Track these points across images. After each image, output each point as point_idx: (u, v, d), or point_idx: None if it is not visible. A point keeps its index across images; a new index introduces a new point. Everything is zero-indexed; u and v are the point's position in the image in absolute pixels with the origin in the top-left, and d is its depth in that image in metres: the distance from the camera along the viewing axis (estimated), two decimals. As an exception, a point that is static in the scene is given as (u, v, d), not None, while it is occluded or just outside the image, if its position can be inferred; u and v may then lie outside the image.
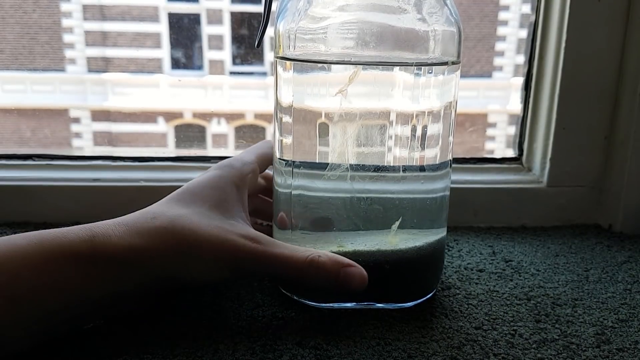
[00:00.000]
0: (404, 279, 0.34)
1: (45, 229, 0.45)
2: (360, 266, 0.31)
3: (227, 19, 0.77)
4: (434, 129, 0.31)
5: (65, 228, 0.29)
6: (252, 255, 0.30)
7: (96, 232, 0.29)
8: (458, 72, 0.32)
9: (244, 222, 0.33)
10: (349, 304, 0.34)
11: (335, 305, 0.34)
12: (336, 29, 0.29)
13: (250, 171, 0.37)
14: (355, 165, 0.31)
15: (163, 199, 0.34)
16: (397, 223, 0.32)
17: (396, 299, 0.34)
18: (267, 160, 0.39)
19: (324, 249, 0.33)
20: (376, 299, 0.34)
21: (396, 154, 0.31)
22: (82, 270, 0.28)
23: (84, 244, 0.28)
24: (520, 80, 0.52)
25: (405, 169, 0.32)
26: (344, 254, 0.32)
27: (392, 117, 0.30)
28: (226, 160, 0.37)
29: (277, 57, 0.32)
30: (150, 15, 0.75)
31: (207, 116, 0.86)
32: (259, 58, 0.69)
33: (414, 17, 0.29)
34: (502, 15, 0.74)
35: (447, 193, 0.35)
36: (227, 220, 0.32)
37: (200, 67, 0.77)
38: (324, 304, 0.34)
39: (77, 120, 0.79)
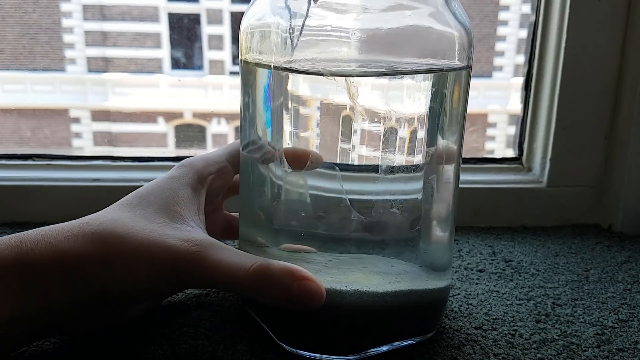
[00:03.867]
0: None
1: (45, 229, 0.46)
2: (318, 280, 0.26)
3: (227, 19, 0.77)
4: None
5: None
6: (188, 261, 0.26)
7: (24, 238, 0.26)
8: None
9: (196, 225, 0.30)
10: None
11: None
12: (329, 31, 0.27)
13: (215, 171, 0.34)
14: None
15: (114, 204, 0.31)
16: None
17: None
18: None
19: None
20: None
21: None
22: (9, 278, 0.25)
23: (9, 251, 0.25)
24: (520, 80, 0.52)
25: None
26: None
27: None
28: (188, 159, 0.34)
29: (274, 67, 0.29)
30: (150, 15, 0.75)
31: (207, 116, 0.86)
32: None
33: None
34: (502, 15, 0.74)
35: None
36: (171, 224, 0.28)
37: (200, 67, 0.77)
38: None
39: (77, 120, 0.79)
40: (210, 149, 0.81)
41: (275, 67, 0.27)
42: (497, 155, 0.55)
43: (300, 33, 0.26)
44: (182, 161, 0.34)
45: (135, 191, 0.31)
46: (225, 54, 0.79)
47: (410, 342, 0.30)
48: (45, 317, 0.26)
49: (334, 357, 0.29)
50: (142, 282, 0.27)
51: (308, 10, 0.26)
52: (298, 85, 0.27)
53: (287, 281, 0.25)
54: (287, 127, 0.28)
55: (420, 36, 0.27)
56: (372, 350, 0.29)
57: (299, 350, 0.29)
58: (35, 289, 0.25)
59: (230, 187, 0.36)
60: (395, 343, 0.30)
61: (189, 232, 0.28)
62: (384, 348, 0.30)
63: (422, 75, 0.27)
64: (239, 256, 0.27)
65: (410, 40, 0.27)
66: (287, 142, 0.28)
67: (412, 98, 0.27)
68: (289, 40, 0.27)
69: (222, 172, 0.34)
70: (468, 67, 0.29)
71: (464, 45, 0.28)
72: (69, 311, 0.27)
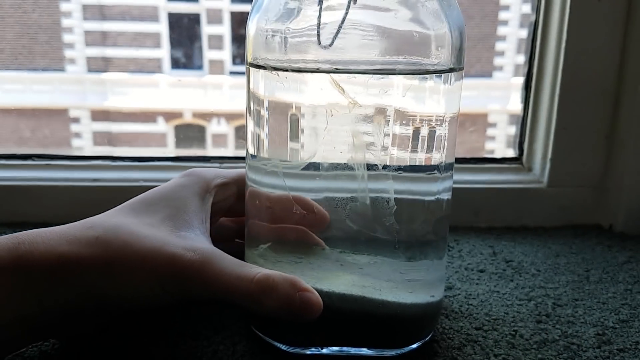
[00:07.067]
0: None
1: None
2: (314, 291, 0.26)
3: (227, 19, 0.77)
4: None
5: None
6: (190, 270, 0.26)
7: (23, 239, 0.26)
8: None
9: (201, 234, 0.29)
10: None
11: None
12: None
13: (221, 183, 0.33)
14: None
15: (116, 207, 0.30)
16: None
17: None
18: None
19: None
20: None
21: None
22: (6, 281, 0.25)
23: (7, 252, 0.25)
24: (520, 80, 0.52)
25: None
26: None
27: None
28: (196, 168, 0.34)
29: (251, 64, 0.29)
30: (150, 15, 0.75)
31: (207, 116, 0.85)
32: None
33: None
34: (503, 15, 0.74)
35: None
36: (176, 232, 0.28)
37: (200, 67, 0.77)
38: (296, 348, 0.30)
39: (76, 120, 0.79)
40: (210, 149, 0.81)
41: (249, 64, 0.28)
42: (498, 155, 0.55)
43: (338, 32, 0.26)
44: (190, 170, 0.33)
45: (141, 196, 0.31)
46: (225, 54, 0.78)
47: (367, 352, 0.29)
48: (41, 320, 0.26)
49: (282, 345, 0.30)
50: (141, 289, 0.26)
51: (348, 9, 0.26)
52: (253, 81, 0.28)
53: (290, 292, 0.26)
54: (250, 126, 0.29)
55: (405, 36, 0.26)
56: (325, 349, 0.29)
57: (256, 330, 0.31)
58: (32, 291, 0.25)
59: (224, 209, 0.35)
60: (356, 349, 0.29)
61: (193, 240, 0.28)
62: (362, 350, 0.29)
63: (410, 75, 0.27)
64: (241, 266, 0.27)
65: (394, 39, 0.26)
66: (250, 141, 0.29)
67: (409, 97, 0.27)
68: (269, 38, 0.27)
69: (227, 187, 0.34)
70: (459, 69, 0.28)
71: (453, 46, 0.27)
72: (66, 314, 0.26)
